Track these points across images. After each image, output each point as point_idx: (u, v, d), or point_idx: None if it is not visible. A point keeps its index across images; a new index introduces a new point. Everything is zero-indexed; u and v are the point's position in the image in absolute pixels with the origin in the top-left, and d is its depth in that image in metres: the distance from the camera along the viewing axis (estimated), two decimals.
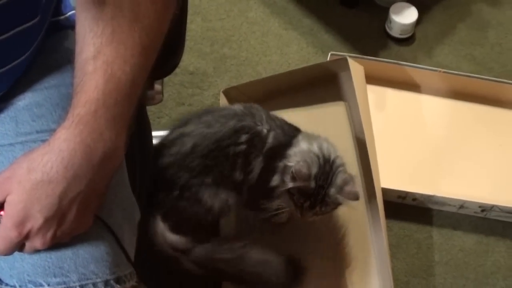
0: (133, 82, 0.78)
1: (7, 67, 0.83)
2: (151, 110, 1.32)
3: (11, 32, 0.81)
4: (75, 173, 0.75)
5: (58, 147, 0.74)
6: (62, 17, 0.94)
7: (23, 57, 0.85)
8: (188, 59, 1.75)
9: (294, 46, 1.82)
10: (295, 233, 1.41)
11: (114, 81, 0.76)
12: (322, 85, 1.56)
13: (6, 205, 0.75)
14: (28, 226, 0.75)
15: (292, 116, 1.34)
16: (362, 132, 1.42)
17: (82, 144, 0.75)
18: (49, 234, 0.76)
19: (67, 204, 0.75)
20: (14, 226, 0.74)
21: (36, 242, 0.76)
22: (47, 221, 0.75)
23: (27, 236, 0.76)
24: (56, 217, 0.75)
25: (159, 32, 0.82)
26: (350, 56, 1.60)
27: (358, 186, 1.30)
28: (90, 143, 0.75)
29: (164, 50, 0.84)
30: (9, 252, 0.77)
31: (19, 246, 0.77)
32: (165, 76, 1.16)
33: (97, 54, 0.76)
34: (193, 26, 1.80)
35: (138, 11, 0.78)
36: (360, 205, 1.42)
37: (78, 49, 0.78)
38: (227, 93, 1.53)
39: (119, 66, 0.77)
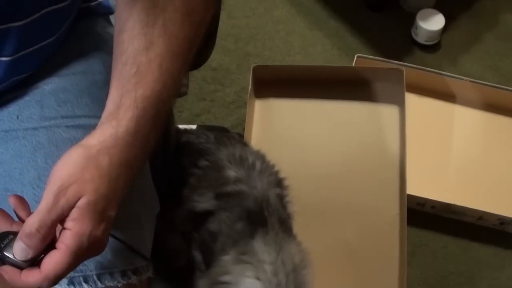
0: (180, 77, 0.76)
1: (34, 47, 0.83)
2: None
3: (39, 13, 0.80)
4: (134, 168, 0.71)
5: (124, 141, 0.70)
6: (94, 3, 0.94)
7: (51, 39, 0.85)
8: (212, 55, 1.72)
9: (319, 47, 1.81)
10: (312, 233, 1.39)
11: (167, 74, 0.73)
12: (353, 86, 1.54)
13: (81, 210, 0.66)
14: (106, 219, 0.69)
15: (321, 108, 1.30)
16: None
17: (142, 141, 0.72)
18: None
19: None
20: (96, 224, 0.67)
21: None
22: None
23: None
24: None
25: (204, 28, 0.80)
26: (375, 60, 1.59)
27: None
28: (150, 139, 0.73)
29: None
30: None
31: None
32: (195, 69, 1.16)
33: (150, 45, 0.73)
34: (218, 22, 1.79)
35: (190, 6, 0.76)
36: (393, 211, 1.41)
37: (127, 37, 0.73)
38: (256, 70, 1.50)
39: (171, 60, 0.74)
